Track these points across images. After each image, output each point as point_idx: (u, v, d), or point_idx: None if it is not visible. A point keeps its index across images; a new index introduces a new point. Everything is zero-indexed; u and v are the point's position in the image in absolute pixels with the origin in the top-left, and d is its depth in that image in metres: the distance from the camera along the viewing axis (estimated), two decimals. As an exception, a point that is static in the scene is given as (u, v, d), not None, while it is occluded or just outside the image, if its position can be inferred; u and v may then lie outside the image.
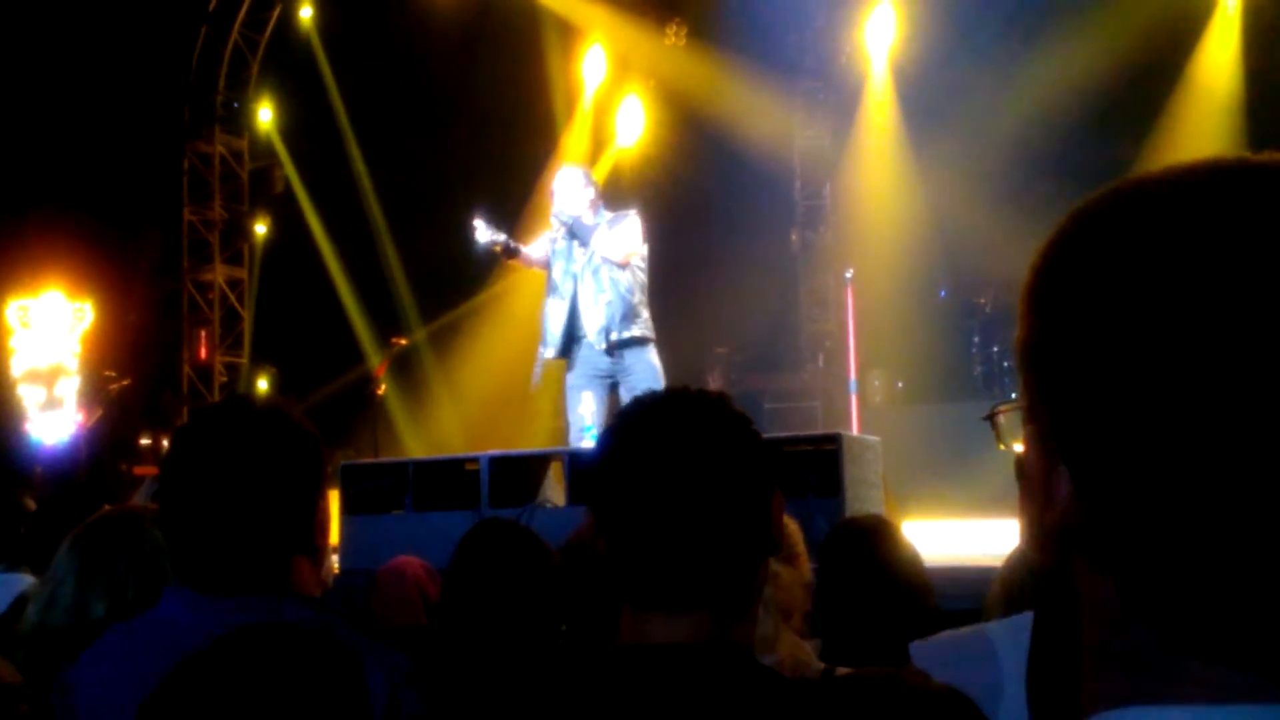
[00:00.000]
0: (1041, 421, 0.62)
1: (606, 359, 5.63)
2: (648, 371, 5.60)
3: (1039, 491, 0.63)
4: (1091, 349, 0.58)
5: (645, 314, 5.72)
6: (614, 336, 5.58)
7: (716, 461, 1.20)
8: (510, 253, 5.89)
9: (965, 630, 1.36)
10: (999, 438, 0.87)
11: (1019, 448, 0.69)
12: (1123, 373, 0.56)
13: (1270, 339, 0.53)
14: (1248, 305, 0.54)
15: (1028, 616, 0.90)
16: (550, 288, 5.81)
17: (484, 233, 5.75)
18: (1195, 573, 0.55)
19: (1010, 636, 1.23)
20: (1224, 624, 0.55)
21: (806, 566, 2.66)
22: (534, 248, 6.00)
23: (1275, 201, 0.56)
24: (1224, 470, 0.54)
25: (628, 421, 1.27)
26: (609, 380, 5.67)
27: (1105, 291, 0.58)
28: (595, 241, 5.64)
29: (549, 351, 5.75)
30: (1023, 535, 0.69)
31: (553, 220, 5.79)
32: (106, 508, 2.27)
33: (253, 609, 1.54)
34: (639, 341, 5.66)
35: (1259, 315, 0.54)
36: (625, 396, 5.57)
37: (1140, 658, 0.58)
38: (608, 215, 5.80)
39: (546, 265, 5.88)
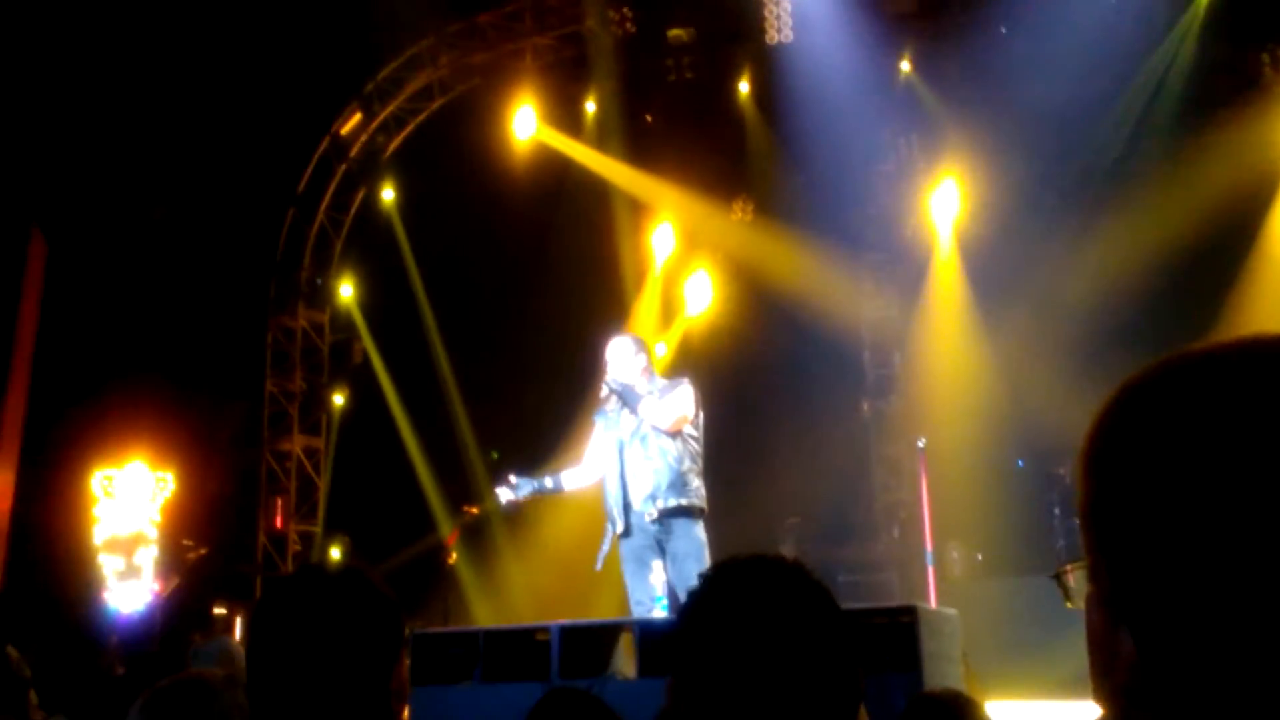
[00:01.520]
0: (1103, 581, 0.64)
1: (655, 527, 5.54)
2: (692, 545, 5.45)
3: (1102, 650, 0.64)
4: (1146, 513, 0.60)
5: (695, 483, 5.61)
6: (660, 505, 5.50)
7: (796, 630, 1.20)
8: (555, 490, 5.92)
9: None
10: (1067, 596, 0.88)
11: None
12: (1177, 536, 0.58)
13: None
14: None
15: None
16: (605, 462, 5.79)
17: (511, 495, 5.82)
18: None
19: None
20: None
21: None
22: (585, 467, 5.95)
23: None
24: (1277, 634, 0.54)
25: (711, 590, 1.27)
26: (660, 547, 5.57)
27: (1158, 458, 0.60)
28: (643, 409, 5.65)
29: (617, 527, 5.66)
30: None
31: (604, 387, 5.82)
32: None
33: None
34: (685, 511, 5.53)
35: None
36: (669, 568, 5.49)
37: None
38: (661, 383, 5.81)
39: (599, 468, 5.86)
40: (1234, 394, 0.60)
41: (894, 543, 11.16)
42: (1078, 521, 0.70)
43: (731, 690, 1.18)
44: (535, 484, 5.87)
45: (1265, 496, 0.56)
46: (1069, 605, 0.88)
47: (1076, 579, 0.87)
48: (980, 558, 10.11)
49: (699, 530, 5.57)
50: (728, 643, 1.20)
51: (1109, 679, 0.63)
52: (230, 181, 12.46)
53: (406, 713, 5.25)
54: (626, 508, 5.62)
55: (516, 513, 6.00)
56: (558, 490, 5.92)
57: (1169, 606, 0.58)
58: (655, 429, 5.60)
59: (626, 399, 5.69)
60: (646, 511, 5.54)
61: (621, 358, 5.84)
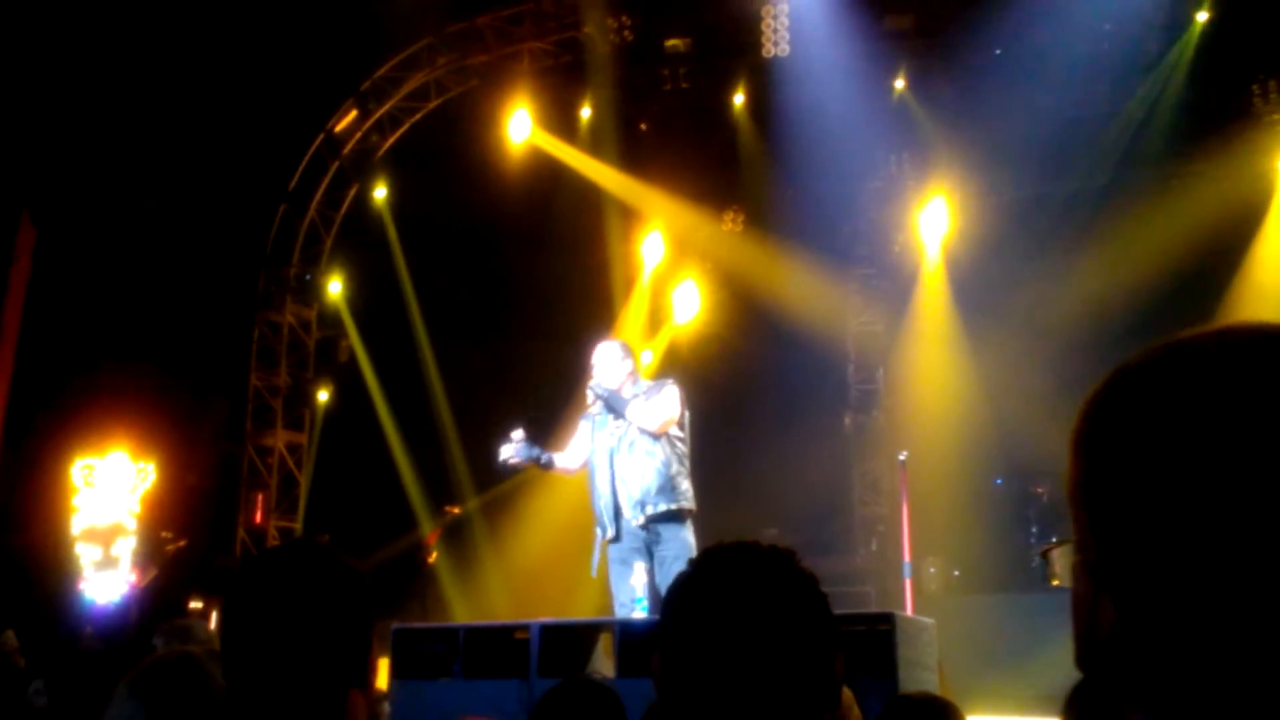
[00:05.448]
0: (1089, 552, 0.68)
1: (644, 532, 5.57)
2: (680, 549, 5.48)
3: (1085, 616, 0.69)
4: (1134, 488, 0.64)
5: (684, 486, 5.65)
6: (649, 510, 5.54)
7: (779, 615, 1.23)
8: (541, 466, 5.91)
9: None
10: (1052, 574, 0.92)
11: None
12: (1164, 512, 0.62)
13: None
14: (1271, 452, 0.60)
15: None
16: (592, 466, 5.81)
17: (513, 451, 5.76)
18: (1228, 698, 0.59)
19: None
20: None
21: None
22: (570, 453, 6.00)
23: None
24: (1256, 604, 0.59)
25: (696, 574, 1.31)
26: (649, 550, 5.60)
27: (1145, 436, 0.65)
28: (630, 412, 5.66)
29: (606, 533, 5.68)
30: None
31: (589, 393, 5.83)
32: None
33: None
34: (674, 516, 5.57)
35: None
36: (657, 571, 5.51)
37: None
38: (645, 386, 5.84)
39: (582, 461, 5.89)
40: (1220, 376, 0.64)
41: (872, 556, 11.22)
42: (1065, 495, 0.74)
43: (714, 672, 1.20)
44: (534, 452, 5.83)
45: (1244, 473, 0.60)
46: (1054, 583, 0.92)
47: (1060, 556, 0.91)
48: (957, 573, 10.17)
49: (687, 533, 5.61)
50: (712, 625, 1.22)
51: (1091, 643, 0.68)
52: (222, 174, 12.45)
53: (387, 707, 5.28)
54: (617, 513, 5.65)
55: (506, 470, 5.97)
56: (548, 466, 5.92)
57: (1149, 574, 0.62)
58: (642, 433, 5.63)
59: (611, 404, 5.70)
60: (635, 518, 5.56)
61: (608, 363, 5.87)
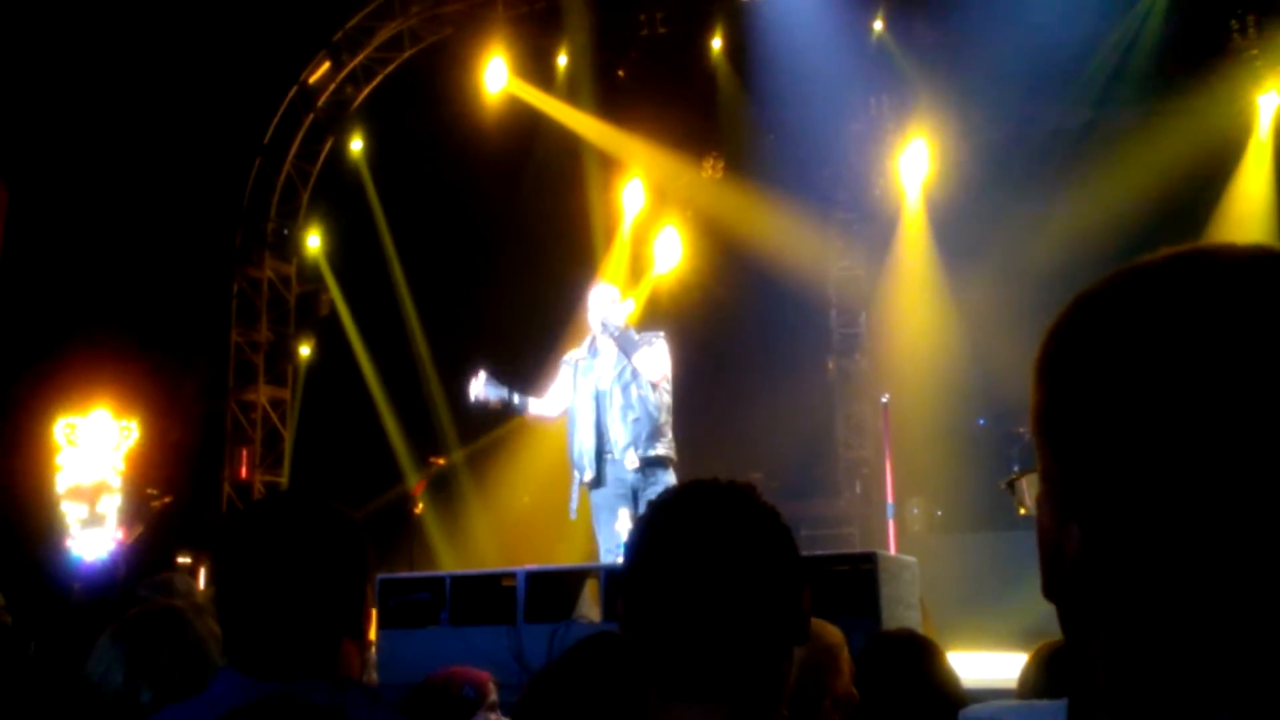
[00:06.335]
0: (1054, 480, 0.69)
1: (633, 475, 5.61)
2: None
3: (1051, 544, 0.69)
4: (1097, 414, 0.64)
5: (669, 434, 5.72)
6: (640, 453, 5.58)
7: (738, 548, 1.22)
8: (515, 409, 5.91)
9: (985, 708, 1.38)
10: (1019, 503, 0.93)
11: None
12: (1125, 434, 0.63)
13: (1250, 405, 0.60)
14: (1233, 371, 0.61)
15: (1050, 704, 0.93)
16: (574, 410, 5.79)
17: (480, 388, 5.75)
18: (1195, 618, 0.60)
19: (1027, 717, 1.25)
20: (1217, 675, 0.59)
21: (849, 676, 2.64)
22: (549, 400, 5.99)
23: (1251, 278, 0.64)
24: (1219, 522, 0.59)
25: (658, 511, 1.31)
26: (635, 496, 5.63)
27: (1109, 359, 0.65)
28: (639, 358, 5.67)
29: (585, 475, 5.70)
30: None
31: (599, 330, 5.78)
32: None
33: (300, 693, 1.58)
34: (662, 462, 5.64)
35: (1242, 381, 0.60)
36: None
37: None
38: (638, 335, 5.86)
39: (562, 408, 5.87)
40: (1179, 297, 0.64)
41: (856, 499, 11.31)
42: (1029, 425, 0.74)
43: (666, 600, 1.20)
44: (502, 391, 5.83)
45: (1205, 393, 0.60)
46: (1021, 511, 0.93)
47: (1027, 486, 0.92)
48: (940, 513, 10.27)
49: (672, 479, 5.65)
50: (671, 561, 1.22)
51: (1058, 571, 0.68)
52: (196, 130, 12.30)
53: (373, 652, 5.31)
54: (599, 456, 5.67)
55: (482, 411, 5.96)
56: (521, 410, 5.93)
57: (1115, 499, 0.63)
58: (634, 379, 5.64)
59: (625, 345, 5.66)
60: (626, 460, 5.57)
61: (608, 305, 5.82)
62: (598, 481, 5.69)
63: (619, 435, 5.64)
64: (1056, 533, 0.68)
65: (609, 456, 5.67)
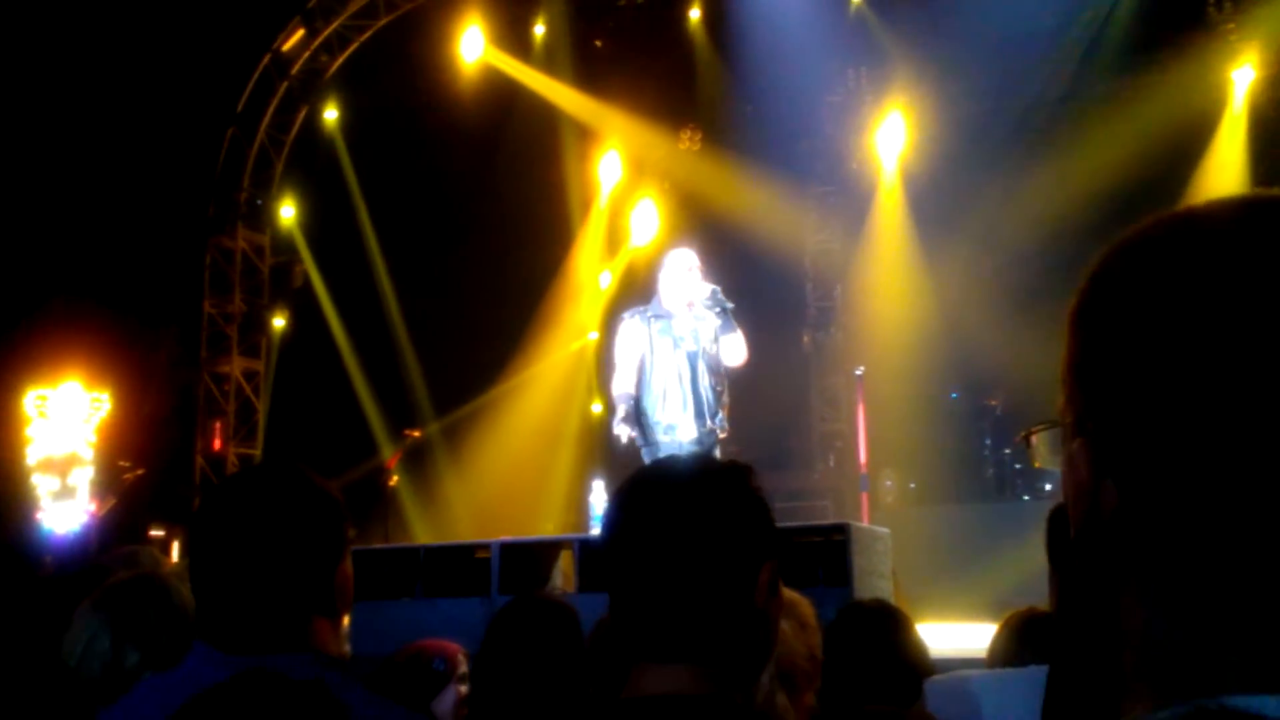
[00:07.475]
0: (1089, 435, 0.67)
1: (709, 440, 5.36)
2: None
3: (1085, 501, 0.67)
4: (1139, 364, 0.61)
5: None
6: (709, 426, 5.35)
7: (700, 514, 1.24)
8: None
9: (951, 676, 1.39)
10: (1034, 457, 0.92)
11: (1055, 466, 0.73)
12: (1168, 385, 0.60)
13: None
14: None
15: (1018, 672, 0.93)
16: (667, 371, 5.40)
17: (631, 427, 5.31)
18: (1238, 576, 0.58)
19: (996, 685, 1.26)
20: (1258, 633, 0.58)
21: (818, 641, 2.65)
22: (629, 372, 5.53)
23: None
24: (1262, 478, 0.57)
25: (633, 481, 1.33)
26: None
27: (1152, 310, 0.62)
28: (733, 338, 5.43)
29: (674, 433, 5.34)
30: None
31: (705, 300, 5.45)
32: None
33: (280, 667, 1.57)
34: (717, 438, 5.43)
35: None
36: None
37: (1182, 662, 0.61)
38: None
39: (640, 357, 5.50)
40: (1237, 245, 0.61)
41: (830, 471, 11.37)
42: (1060, 375, 0.70)
43: (633, 563, 1.24)
44: (633, 418, 5.42)
45: (1250, 347, 0.58)
46: (1037, 464, 0.93)
47: (1042, 439, 0.91)
48: (913, 485, 10.35)
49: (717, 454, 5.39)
50: (631, 520, 1.26)
51: (1093, 528, 0.66)
52: (167, 98, 12.15)
53: (346, 621, 5.31)
54: (698, 417, 5.36)
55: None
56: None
57: (1158, 456, 0.60)
58: (705, 353, 5.40)
59: (729, 318, 5.42)
60: (702, 428, 5.32)
61: (695, 271, 5.51)
62: (655, 451, 5.34)
63: (699, 402, 5.36)
64: (1092, 490, 0.66)
65: (701, 422, 5.38)
